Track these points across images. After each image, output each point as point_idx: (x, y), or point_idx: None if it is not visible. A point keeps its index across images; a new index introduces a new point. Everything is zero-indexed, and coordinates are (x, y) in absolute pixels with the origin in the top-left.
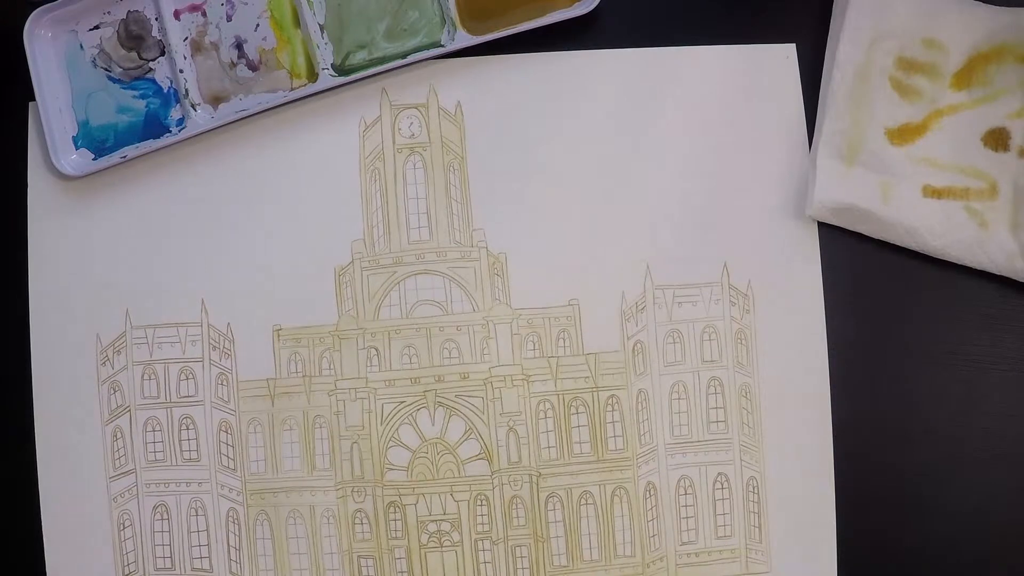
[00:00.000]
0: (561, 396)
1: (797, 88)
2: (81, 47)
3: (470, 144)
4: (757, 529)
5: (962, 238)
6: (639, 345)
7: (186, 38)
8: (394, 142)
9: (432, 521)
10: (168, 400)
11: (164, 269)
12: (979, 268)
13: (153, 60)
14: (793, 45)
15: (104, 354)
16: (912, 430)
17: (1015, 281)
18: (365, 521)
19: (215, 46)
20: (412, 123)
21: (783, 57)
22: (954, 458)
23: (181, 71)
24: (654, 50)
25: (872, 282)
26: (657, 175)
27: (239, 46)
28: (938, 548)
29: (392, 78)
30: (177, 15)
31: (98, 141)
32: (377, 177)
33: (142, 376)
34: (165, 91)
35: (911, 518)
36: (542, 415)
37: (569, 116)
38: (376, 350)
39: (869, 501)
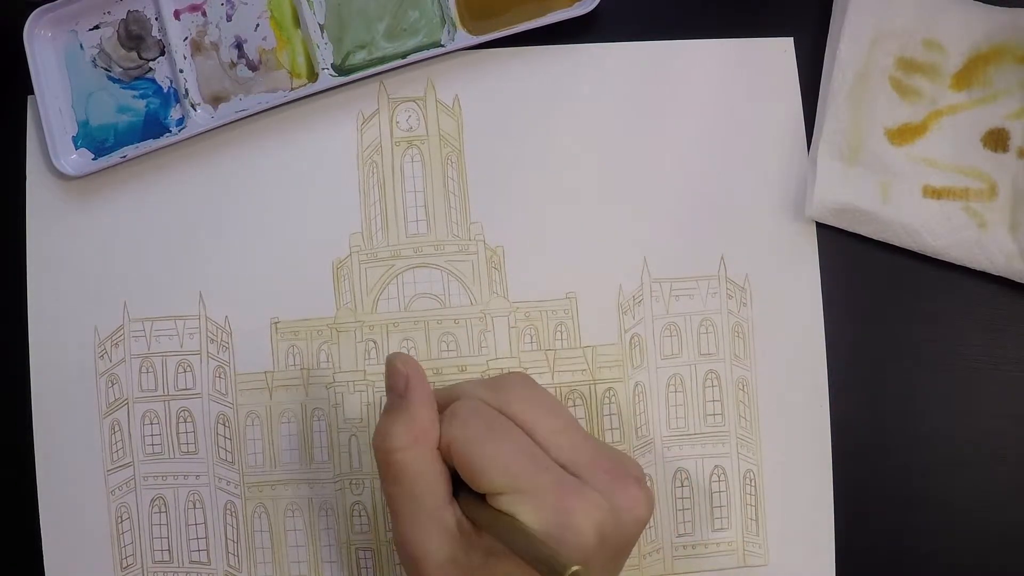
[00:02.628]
0: (558, 389)
1: (795, 83)
2: (81, 47)
3: (468, 137)
4: (754, 522)
5: (961, 239)
6: (636, 338)
7: (186, 38)
8: (392, 135)
9: None
10: (166, 393)
11: (162, 263)
12: (978, 269)
13: (153, 60)
14: (791, 39)
15: (102, 347)
16: (911, 430)
17: (1015, 281)
18: (363, 513)
19: (215, 46)
20: (410, 116)
21: (781, 51)
22: (954, 458)
23: (181, 71)
24: (651, 43)
25: (872, 282)
26: (654, 168)
27: (239, 46)
28: (937, 544)
29: (390, 74)
30: (177, 15)
31: (98, 141)
32: (375, 170)
33: (140, 369)
34: (165, 91)
35: (909, 515)
36: None
37: (566, 109)
38: (374, 343)
39: (867, 498)
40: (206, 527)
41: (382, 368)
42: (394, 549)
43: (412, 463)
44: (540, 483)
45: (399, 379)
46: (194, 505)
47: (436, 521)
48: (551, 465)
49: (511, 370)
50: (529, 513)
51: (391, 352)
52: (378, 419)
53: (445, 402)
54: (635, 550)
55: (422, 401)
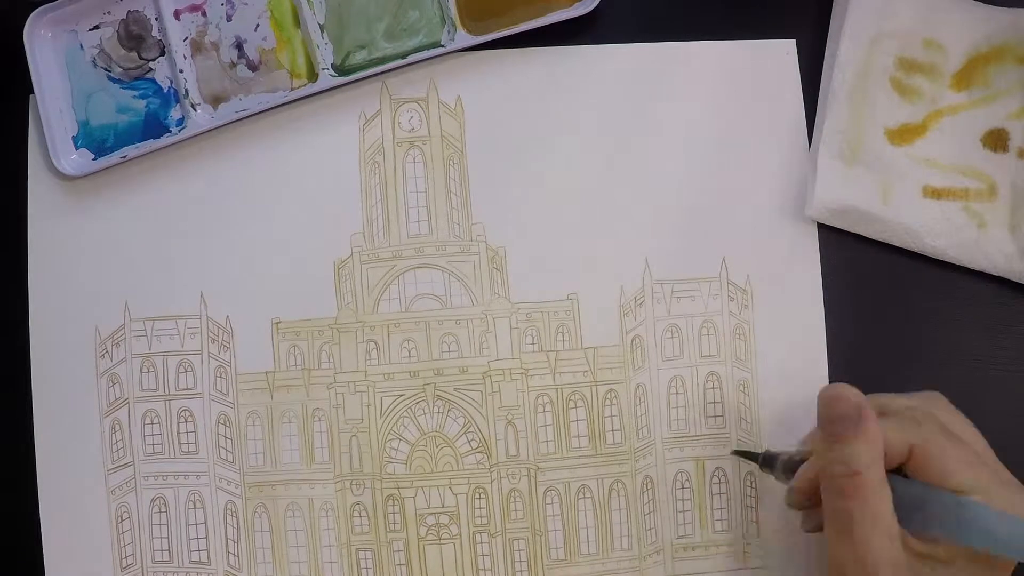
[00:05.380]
0: (559, 390)
1: (797, 84)
2: (81, 47)
3: (470, 138)
4: (755, 524)
5: (961, 239)
6: (637, 339)
7: (186, 38)
8: (394, 136)
9: (431, 514)
10: (167, 393)
11: (163, 262)
12: (978, 269)
13: (153, 60)
14: (793, 41)
15: (103, 346)
16: None
17: (1015, 281)
18: (364, 514)
19: (215, 46)
20: (412, 117)
21: (783, 53)
22: None
23: (181, 71)
24: (654, 45)
25: (872, 282)
26: (656, 169)
27: (239, 46)
28: None
29: (392, 74)
30: (177, 15)
31: (98, 141)
32: (377, 171)
33: (141, 369)
34: (165, 91)
35: None
36: (540, 409)
37: (568, 110)
38: (375, 343)
39: None
40: (206, 527)
41: (383, 369)
42: (395, 550)
43: (874, 480)
44: (993, 484)
45: (849, 406)
46: (194, 505)
47: (891, 532)
48: (994, 468)
49: (510, 370)
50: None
51: (826, 386)
52: (378, 419)
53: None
54: (636, 552)
55: (876, 423)
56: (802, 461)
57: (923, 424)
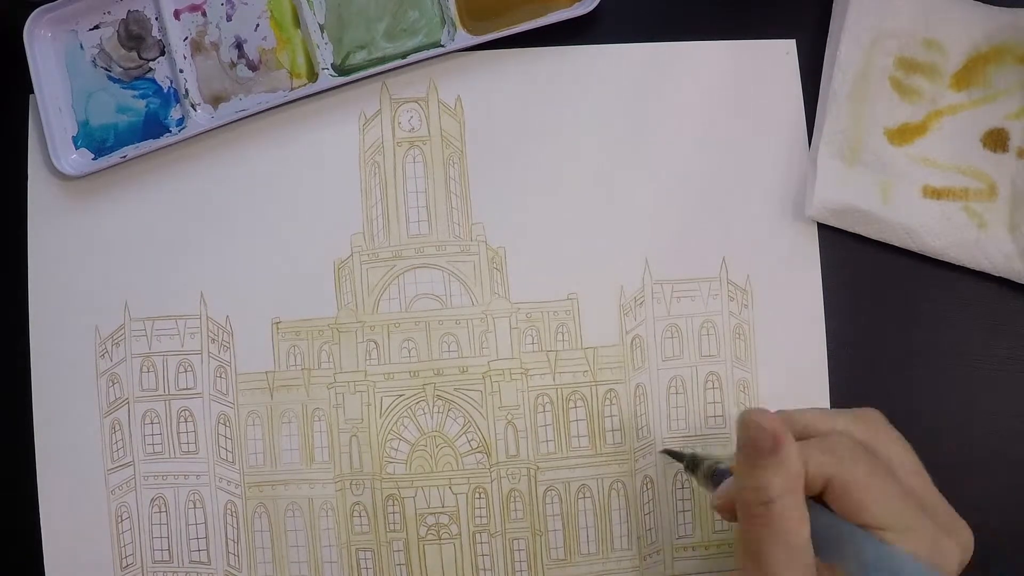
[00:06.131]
0: (559, 390)
1: (797, 84)
2: (81, 47)
3: (469, 138)
4: None
5: (961, 239)
6: (637, 339)
7: (186, 38)
8: (394, 136)
9: (431, 514)
10: (167, 393)
11: (163, 262)
12: (978, 269)
13: (153, 60)
14: (793, 41)
15: (103, 346)
16: (911, 430)
17: (1015, 281)
18: (363, 514)
19: (215, 46)
20: (412, 117)
21: (783, 53)
22: (954, 458)
23: (181, 71)
24: (653, 45)
25: (872, 282)
26: (656, 169)
27: (239, 46)
28: None
29: (392, 74)
30: (177, 15)
31: (98, 141)
32: (377, 171)
33: (141, 368)
34: (165, 91)
35: None
36: (540, 409)
37: (568, 110)
38: (375, 343)
39: None
40: (206, 527)
41: (383, 369)
42: (395, 550)
43: (788, 509)
44: (920, 522)
45: (766, 436)
46: (194, 505)
47: (805, 561)
48: (922, 505)
49: (510, 370)
50: (909, 548)
51: (746, 410)
52: (378, 419)
53: (794, 429)
54: (636, 552)
55: (793, 451)
56: (725, 472)
57: (843, 453)
